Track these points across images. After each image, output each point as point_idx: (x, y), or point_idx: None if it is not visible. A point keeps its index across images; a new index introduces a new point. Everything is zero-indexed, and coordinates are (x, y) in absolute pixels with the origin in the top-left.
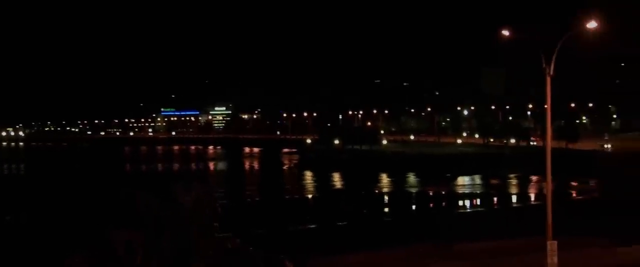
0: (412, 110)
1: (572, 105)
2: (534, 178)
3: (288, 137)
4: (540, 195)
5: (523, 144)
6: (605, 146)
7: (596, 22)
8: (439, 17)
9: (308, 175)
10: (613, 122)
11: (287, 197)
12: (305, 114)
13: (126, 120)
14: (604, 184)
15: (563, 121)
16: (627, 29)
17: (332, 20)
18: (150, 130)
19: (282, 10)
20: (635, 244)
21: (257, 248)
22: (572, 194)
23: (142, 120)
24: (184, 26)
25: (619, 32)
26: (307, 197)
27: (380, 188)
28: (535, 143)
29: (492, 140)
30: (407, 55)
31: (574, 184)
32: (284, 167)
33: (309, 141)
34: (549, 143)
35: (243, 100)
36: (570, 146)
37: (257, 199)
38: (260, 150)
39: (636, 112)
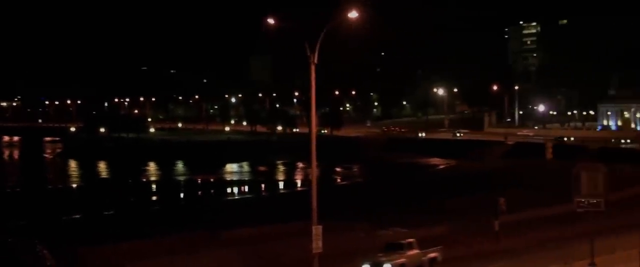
0: (180, 97)
1: (337, 93)
2: (300, 164)
3: (51, 125)
4: (306, 181)
5: (290, 131)
6: (458, 133)
7: (358, 11)
8: (206, 5)
9: (72, 164)
10: (374, 110)
11: (50, 187)
12: (69, 102)
13: None
14: (366, 169)
15: (328, 108)
16: (386, 20)
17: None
18: None
19: None
20: (393, 227)
21: (17, 238)
22: (337, 179)
23: None
24: None
25: (380, 22)
26: (72, 187)
27: (148, 176)
28: (300, 130)
29: (259, 127)
30: (174, 43)
31: (338, 169)
32: (47, 156)
33: (73, 129)
34: (314, 130)
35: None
36: (335, 132)
37: (17, 189)
38: (20, 138)
39: (395, 100)
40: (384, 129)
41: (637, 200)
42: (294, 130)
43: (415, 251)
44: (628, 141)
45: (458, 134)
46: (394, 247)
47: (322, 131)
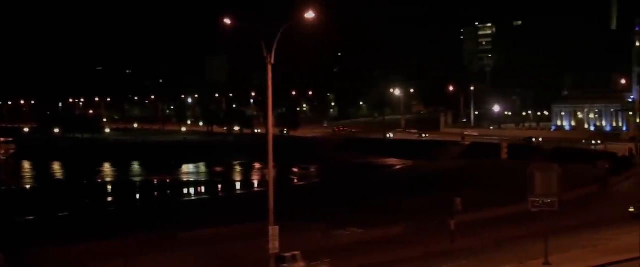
0: (136, 98)
1: (294, 93)
2: (257, 165)
3: (3, 125)
4: (263, 182)
5: (247, 131)
6: (423, 135)
7: (314, 12)
8: (162, 4)
9: (26, 165)
10: (331, 110)
11: (3, 188)
12: (22, 102)
13: None
14: (323, 170)
15: (285, 109)
16: (344, 21)
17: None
18: None
19: None
20: (349, 227)
21: None
22: (294, 179)
23: None
24: None
25: (337, 23)
26: (25, 188)
27: (103, 177)
28: (259, 130)
29: (216, 128)
30: (130, 43)
31: (295, 170)
32: None
33: (26, 129)
34: (271, 130)
35: None
36: (292, 132)
37: None
38: None
39: (352, 100)
40: (334, 130)
41: (591, 199)
42: (255, 131)
43: (300, 264)
44: (598, 141)
45: (423, 135)
46: (277, 261)
47: (284, 132)
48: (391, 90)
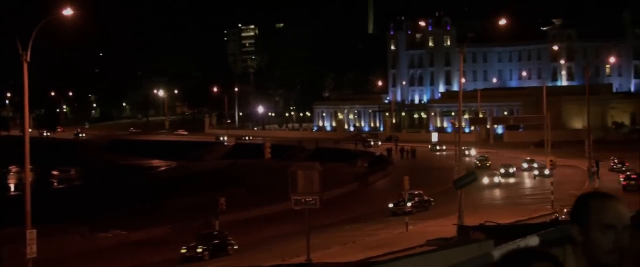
0: None
1: (53, 93)
2: (14, 168)
3: None
4: (20, 185)
5: (3, 133)
6: (222, 136)
7: (74, 10)
8: None
9: None
10: (93, 111)
11: None
12: None
13: None
14: (83, 172)
15: (43, 110)
16: (106, 21)
17: None
18: None
19: None
20: (113, 230)
21: None
22: (54, 182)
23: None
24: None
25: (100, 23)
26: None
27: None
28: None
29: None
30: None
31: (55, 172)
32: None
33: None
34: (28, 132)
35: None
36: (52, 134)
37: None
38: None
39: (114, 101)
40: (77, 130)
41: (352, 197)
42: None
43: None
44: (443, 146)
45: (223, 137)
46: None
47: (45, 134)
48: (154, 91)
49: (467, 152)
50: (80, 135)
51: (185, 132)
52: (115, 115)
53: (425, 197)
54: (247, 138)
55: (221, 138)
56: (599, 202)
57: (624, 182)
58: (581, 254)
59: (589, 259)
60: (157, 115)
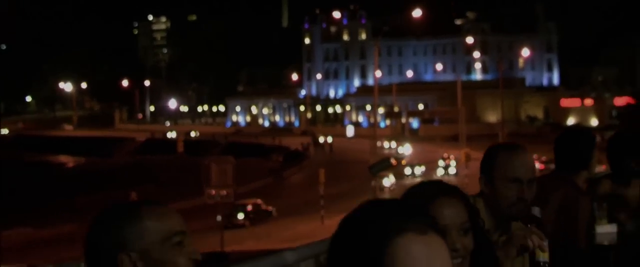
0: None
1: None
2: None
3: None
4: None
5: None
6: (124, 132)
7: None
8: None
9: None
10: None
11: None
12: None
13: None
14: None
15: None
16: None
17: None
18: None
19: None
20: (18, 227)
21: None
22: None
23: None
24: None
25: None
26: None
27: None
28: None
29: None
30: None
31: None
32: None
33: None
34: None
35: None
36: None
37: None
38: None
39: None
40: None
41: (266, 191)
42: None
43: None
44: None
45: (125, 132)
46: None
47: None
48: (61, 85)
49: (387, 145)
50: None
51: (71, 127)
52: (19, 110)
53: (264, 207)
54: (166, 133)
55: (168, 134)
56: (505, 154)
57: None
58: (489, 205)
59: (495, 209)
60: (65, 110)
